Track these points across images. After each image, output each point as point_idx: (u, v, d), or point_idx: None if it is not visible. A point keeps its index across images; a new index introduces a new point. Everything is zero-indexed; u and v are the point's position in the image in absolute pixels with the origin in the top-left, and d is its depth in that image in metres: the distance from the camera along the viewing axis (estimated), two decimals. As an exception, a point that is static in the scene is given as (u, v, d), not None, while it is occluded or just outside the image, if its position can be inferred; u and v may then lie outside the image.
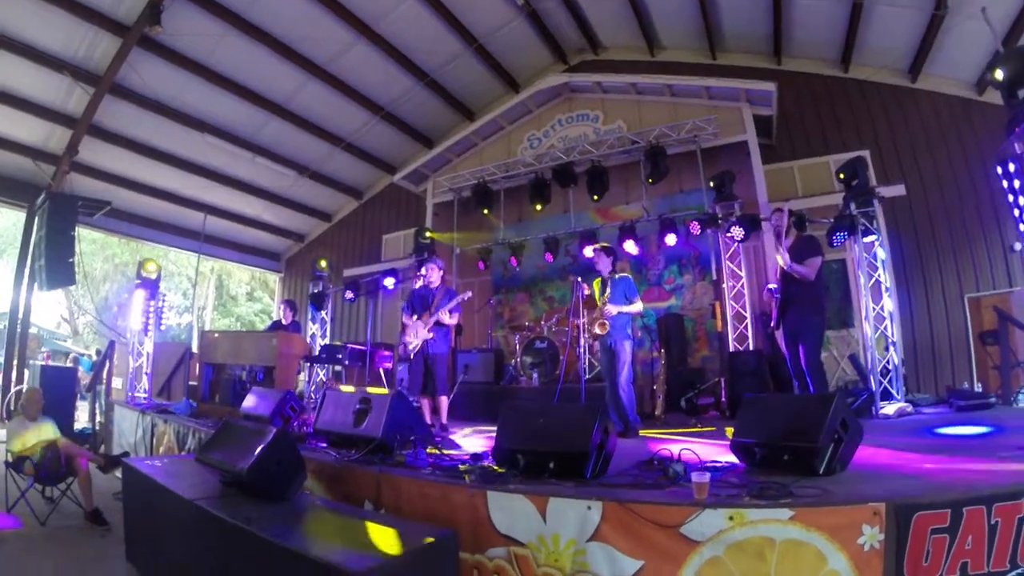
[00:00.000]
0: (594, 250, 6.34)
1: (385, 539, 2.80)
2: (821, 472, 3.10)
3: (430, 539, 2.73)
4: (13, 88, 9.97)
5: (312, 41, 10.87)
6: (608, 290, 5.96)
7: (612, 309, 5.80)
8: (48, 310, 25.97)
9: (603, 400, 5.87)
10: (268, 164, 13.39)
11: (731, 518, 2.58)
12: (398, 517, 3.35)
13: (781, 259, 5.64)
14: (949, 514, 2.45)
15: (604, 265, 6.13)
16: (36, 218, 10.80)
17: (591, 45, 12.51)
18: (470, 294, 6.63)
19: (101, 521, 5.29)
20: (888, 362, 6.89)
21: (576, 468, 3.28)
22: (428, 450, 4.27)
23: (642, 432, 5.80)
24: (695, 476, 2.79)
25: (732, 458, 3.69)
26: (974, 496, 2.51)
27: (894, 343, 7.02)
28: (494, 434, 3.81)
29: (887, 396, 6.67)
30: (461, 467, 3.66)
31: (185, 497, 3.52)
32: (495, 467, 3.58)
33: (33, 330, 20.12)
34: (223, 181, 13.54)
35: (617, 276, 6.06)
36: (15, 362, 10.70)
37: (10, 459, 5.64)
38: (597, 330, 5.87)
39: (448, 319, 6.30)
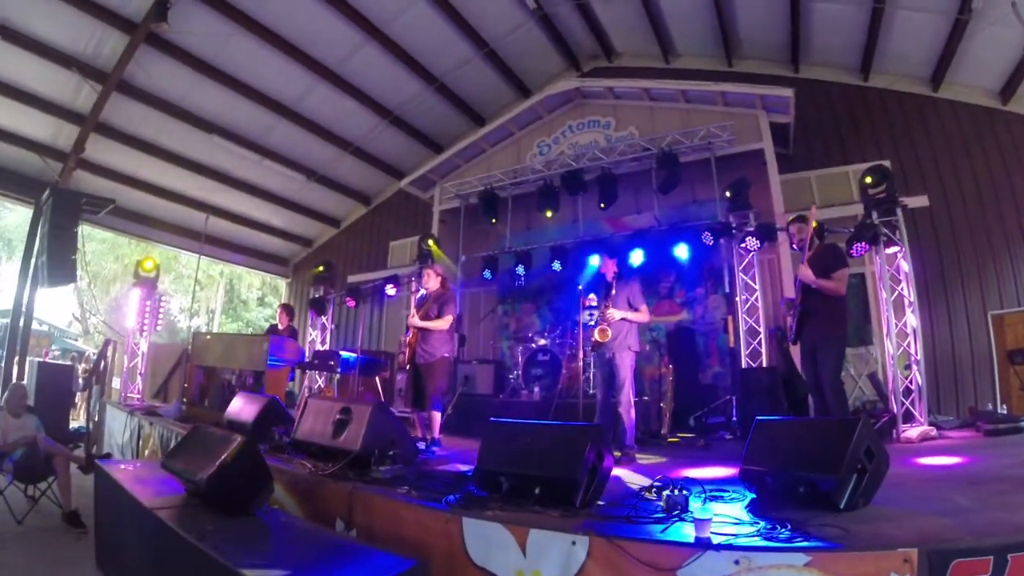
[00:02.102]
0: (597, 253, 5.98)
1: (340, 567, 2.50)
2: (842, 507, 2.74)
3: (394, 572, 2.42)
4: (22, 83, 9.89)
5: (322, 43, 10.73)
6: (612, 293, 5.52)
7: (615, 314, 5.33)
8: (61, 308, 26.06)
9: (599, 419, 5.41)
10: (276, 167, 13.22)
11: (737, 562, 2.24)
12: (367, 542, 3.05)
13: (802, 276, 5.26)
14: (992, 562, 2.12)
15: (607, 269, 5.68)
16: (41, 215, 10.73)
17: (604, 51, 12.27)
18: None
19: (78, 523, 5.16)
20: (911, 381, 6.50)
21: (564, 495, 2.94)
22: (408, 468, 3.97)
23: (641, 455, 5.38)
24: (696, 511, 2.45)
25: (741, 488, 3.34)
26: (1022, 541, 2.18)
27: (917, 361, 6.62)
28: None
29: (909, 418, 6.27)
30: (440, 489, 3.34)
31: (145, 505, 3.32)
32: (477, 491, 3.27)
33: (44, 328, 20.14)
34: (230, 183, 13.42)
35: (620, 281, 5.60)
36: (16, 358, 10.54)
37: None
38: (597, 337, 5.37)
39: (431, 324, 5.82)
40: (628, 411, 5.25)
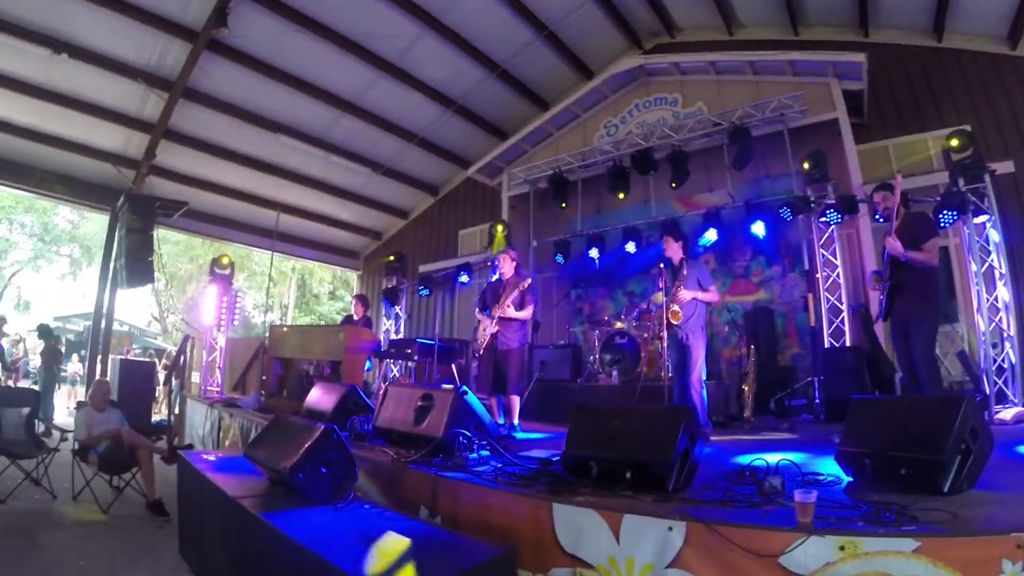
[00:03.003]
0: (662, 235, 5.98)
1: (433, 558, 2.49)
2: (946, 491, 2.61)
3: (484, 557, 2.41)
4: (92, 97, 10.28)
5: (380, 37, 10.75)
6: (681, 276, 5.54)
7: (686, 294, 5.41)
8: (140, 310, 27.40)
9: (677, 401, 5.40)
10: (342, 162, 13.38)
11: (842, 548, 2.15)
12: (453, 529, 3.04)
13: (890, 248, 4.98)
14: None
15: (674, 251, 5.75)
16: (118, 220, 11.22)
17: (666, 27, 11.91)
18: (530, 280, 6.02)
19: (162, 512, 5.30)
20: (1004, 359, 6.15)
21: (656, 480, 2.88)
22: (492, 453, 3.97)
23: (720, 437, 5.31)
24: (798, 494, 2.33)
25: (836, 470, 3.20)
26: None
27: (1010, 337, 6.26)
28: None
29: (1002, 399, 5.98)
30: (526, 474, 3.31)
31: (229, 494, 3.41)
32: (565, 475, 3.22)
33: (125, 328, 21.21)
34: (298, 180, 13.67)
35: (690, 262, 5.63)
36: (99, 357, 11.09)
37: (76, 448, 5.74)
38: (670, 319, 5.41)
39: (515, 312, 5.83)
40: (699, 391, 5.30)
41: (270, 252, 14.91)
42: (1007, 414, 5.60)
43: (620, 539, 2.55)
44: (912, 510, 2.31)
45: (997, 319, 6.35)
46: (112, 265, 11.13)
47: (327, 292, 30.20)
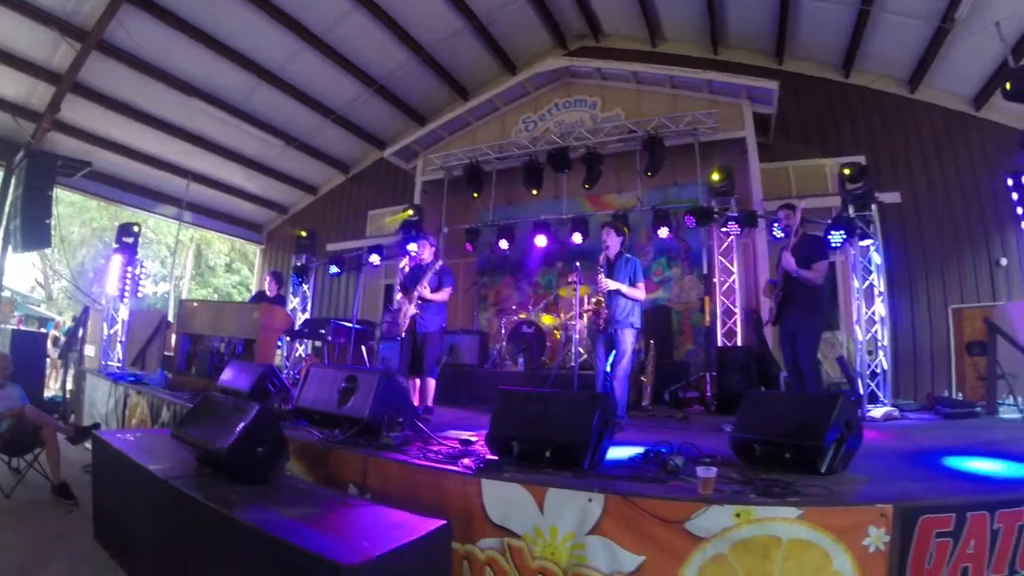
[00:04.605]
0: (604, 226, 5.91)
1: (377, 529, 2.64)
2: (823, 471, 3.04)
3: (425, 530, 2.59)
4: (-4, 39, 9.56)
5: (310, 8, 10.60)
6: (613, 271, 5.62)
7: (609, 284, 5.46)
8: (23, 273, 25.37)
9: (599, 389, 5.58)
10: (256, 132, 13.03)
11: (738, 515, 2.51)
12: (387, 504, 3.20)
13: (785, 264, 5.54)
14: (954, 518, 2.44)
15: (613, 243, 5.73)
16: (13, 177, 10.43)
17: (592, 31, 12.37)
18: (440, 263, 6.18)
19: (68, 495, 5.07)
20: (877, 366, 6.87)
21: (574, 458, 3.16)
22: (415, 434, 4.14)
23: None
24: (700, 470, 2.69)
25: (731, 454, 3.59)
26: (979, 501, 2.51)
27: (884, 347, 7.01)
28: (478, 420, 3.66)
29: (874, 400, 6.67)
30: (452, 453, 3.53)
31: (159, 476, 3.34)
32: (488, 454, 3.46)
33: (7, 293, 19.68)
34: (208, 147, 13.21)
35: (625, 256, 5.69)
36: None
37: None
38: (593, 306, 5.55)
39: (432, 295, 6.00)
40: (623, 384, 5.47)
41: (170, 220, 14.21)
42: (877, 412, 6.29)
43: (545, 510, 2.82)
44: (795, 486, 2.71)
45: (873, 330, 7.05)
46: (4, 226, 10.37)
47: (224, 264, 29.10)
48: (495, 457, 3.43)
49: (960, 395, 8.54)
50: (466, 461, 3.38)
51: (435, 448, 3.84)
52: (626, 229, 6.05)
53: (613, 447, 3.57)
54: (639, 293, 5.54)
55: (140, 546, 3.56)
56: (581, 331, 7.63)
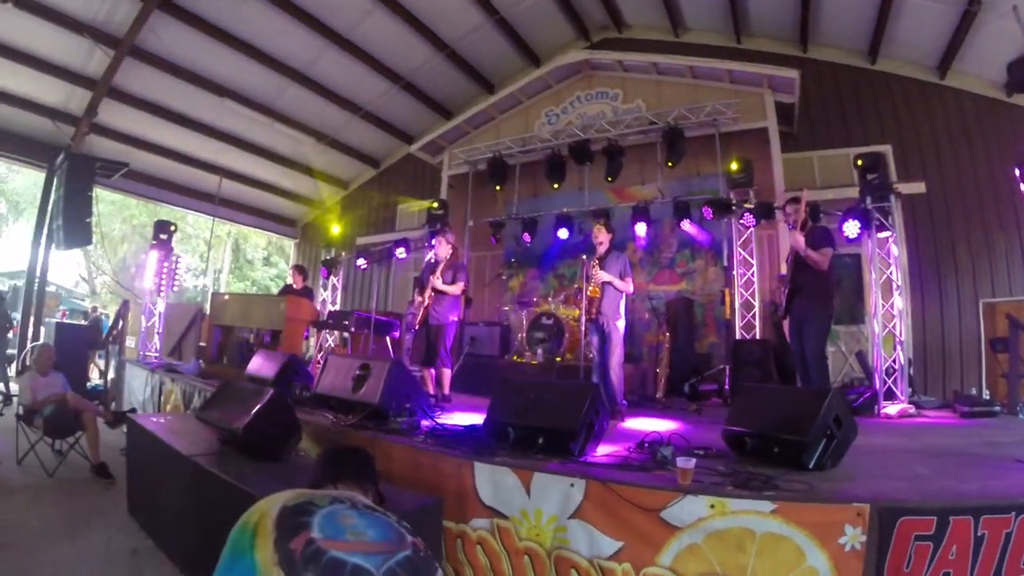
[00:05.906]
0: (595, 224, 6.15)
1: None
2: (810, 467, 3.06)
3: (415, 506, 2.77)
4: (34, 49, 9.97)
5: (332, 8, 10.83)
6: (604, 266, 5.79)
7: (603, 275, 5.66)
8: (67, 269, 26.33)
9: (595, 379, 5.73)
10: (286, 130, 13.35)
11: (712, 506, 2.58)
12: (388, 483, 3.38)
13: (794, 242, 5.54)
14: (935, 522, 2.40)
15: (603, 240, 5.91)
16: (55, 178, 10.93)
17: (614, 23, 12.35)
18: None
19: (106, 475, 5.44)
20: (895, 361, 6.77)
21: (564, 445, 3.29)
22: (422, 418, 4.32)
23: (634, 417, 5.71)
24: (680, 461, 2.77)
25: (723, 446, 3.67)
26: (962, 506, 2.45)
27: (901, 342, 6.87)
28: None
29: (891, 396, 6.57)
30: (452, 438, 3.70)
31: (183, 453, 3.62)
32: (486, 440, 3.62)
33: (52, 288, 20.47)
34: (241, 146, 13.58)
35: (615, 252, 5.90)
36: (32, 319, 10.87)
37: (21, 412, 5.80)
38: (589, 294, 5.74)
39: (447, 288, 6.17)
40: (618, 374, 5.60)
41: (208, 216, 14.69)
42: (892, 409, 6.22)
43: (531, 493, 2.97)
44: (776, 480, 2.75)
45: (891, 325, 6.93)
46: (47, 224, 10.87)
47: (261, 258, 29.74)
48: (492, 443, 3.58)
49: (987, 393, 8.25)
50: (465, 446, 3.55)
51: (439, 432, 4.01)
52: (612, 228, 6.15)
53: (613, 437, 3.69)
54: (626, 287, 5.73)
55: (167, 518, 3.85)
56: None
